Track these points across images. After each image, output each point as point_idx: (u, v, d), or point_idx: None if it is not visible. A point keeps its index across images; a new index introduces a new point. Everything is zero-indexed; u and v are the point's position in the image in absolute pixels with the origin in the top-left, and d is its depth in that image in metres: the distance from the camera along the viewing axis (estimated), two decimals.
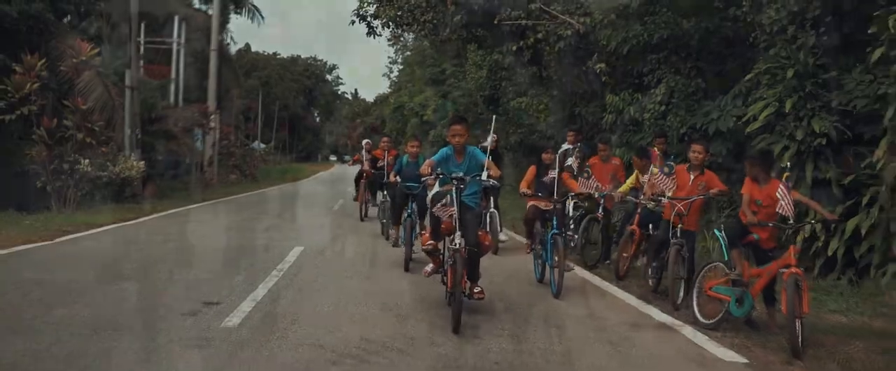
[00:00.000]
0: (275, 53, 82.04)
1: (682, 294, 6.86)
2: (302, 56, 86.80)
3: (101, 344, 4.94)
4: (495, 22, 14.10)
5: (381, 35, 17.81)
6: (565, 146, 10.62)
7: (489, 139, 8.49)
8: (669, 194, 7.19)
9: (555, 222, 7.44)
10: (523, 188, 7.88)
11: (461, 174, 6.09)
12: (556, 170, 7.78)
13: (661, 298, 7.21)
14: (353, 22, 17.89)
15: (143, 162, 17.01)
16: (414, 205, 9.09)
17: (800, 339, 5.19)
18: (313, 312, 6.16)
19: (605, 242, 9.39)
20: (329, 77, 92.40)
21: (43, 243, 9.80)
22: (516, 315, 6.31)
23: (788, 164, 6.78)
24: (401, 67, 48.41)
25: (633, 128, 12.40)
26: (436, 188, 6.32)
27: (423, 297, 6.86)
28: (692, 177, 7.17)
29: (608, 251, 9.31)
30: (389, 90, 54.66)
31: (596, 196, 9.04)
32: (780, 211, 5.88)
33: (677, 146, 10.85)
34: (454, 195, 6.00)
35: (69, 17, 16.98)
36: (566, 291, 7.16)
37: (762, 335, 5.87)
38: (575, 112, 15.40)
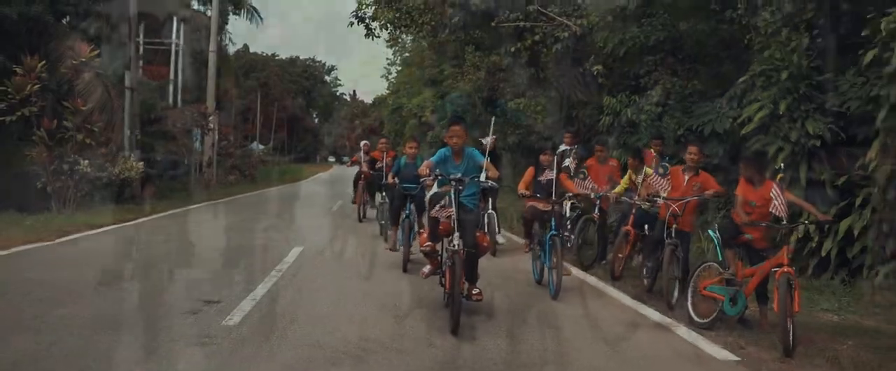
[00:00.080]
0: (273, 54, 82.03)
1: (676, 294, 6.94)
2: (300, 57, 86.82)
3: (104, 342, 5.02)
4: (493, 24, 14.19)
5: (379, 36, 17.93)
6: (563, 147, 10.72)
7: (489, 139, 8.54)
8: (664, 195, 7.28)
9: (553, 223, 7.51)
10: (521, 189, 7.96)
11: (459, 175, 6.12)
12: (554, 171, 7.84)
13: (656, 298, 7.30)
14: (351, 23, 18.01)
15: (142, 163, 17.06)
16: (412, 206, 9.10)
17: (791, 337, 5.27)
18: (312, 312, 6.24)
19: (600, 243, 9.46)
20: (328, 78, 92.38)
21: (44, 244, 9.87)
22: (514, 315, 6.38)
23: (782, 165, 6.87)
24: (399, 69, 48.43)
25: (630, 129, 12.49)
26: (434, 189, 6.35)
27: (422, 297, 6.93)
28: (687, 178, 7.27)
29: (604, 251, 9.39)
30: (388, 91, 54.67)
31: (592, 197, 9.12)
32: (774, 211, 5.97)
33: (674, 147, 10.93)
34: (453, 196, 6.04)
35: (68, 17, 17.02)
36: (563, 292, 7.23)
37: (755, 334, 5.97)
38: (572, 114, 15.49)
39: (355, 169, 15.14)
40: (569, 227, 9.20)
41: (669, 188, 7.27)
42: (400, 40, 26.54)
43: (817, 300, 7.22)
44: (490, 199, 9.96)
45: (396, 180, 9.61)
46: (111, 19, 17.40)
